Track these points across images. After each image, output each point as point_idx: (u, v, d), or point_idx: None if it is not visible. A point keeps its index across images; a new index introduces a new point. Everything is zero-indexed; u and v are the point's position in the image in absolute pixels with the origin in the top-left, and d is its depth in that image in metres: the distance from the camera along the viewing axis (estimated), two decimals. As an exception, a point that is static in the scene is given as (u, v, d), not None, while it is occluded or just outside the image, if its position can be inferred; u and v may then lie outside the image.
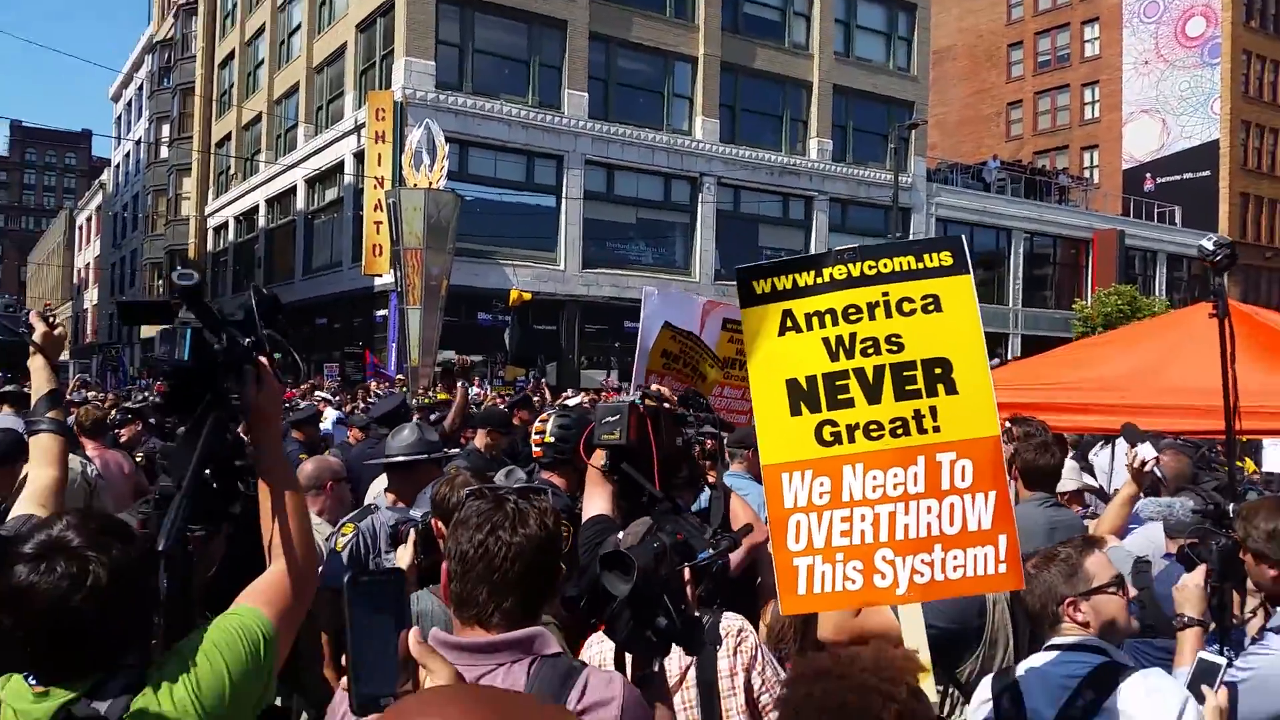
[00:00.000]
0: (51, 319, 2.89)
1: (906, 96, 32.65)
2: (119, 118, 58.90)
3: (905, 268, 2.63)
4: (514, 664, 1.85)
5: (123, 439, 7.98)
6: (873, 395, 2.56)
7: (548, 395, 13.28)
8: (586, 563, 2.46)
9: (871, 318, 2.61)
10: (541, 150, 26.15)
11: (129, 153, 54.02)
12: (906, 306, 2.60)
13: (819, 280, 2.66)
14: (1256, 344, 5.13)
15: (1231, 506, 3.07)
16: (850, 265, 2.66)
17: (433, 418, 7.99)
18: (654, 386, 5.93)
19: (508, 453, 6.49)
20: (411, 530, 3.34)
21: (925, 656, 2.62)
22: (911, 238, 30.26)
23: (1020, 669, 2.54)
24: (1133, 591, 2.71)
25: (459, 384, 8.20)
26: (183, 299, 1.85)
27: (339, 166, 27.90)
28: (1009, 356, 30.51)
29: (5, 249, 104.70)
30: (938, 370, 2.54)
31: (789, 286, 2.68)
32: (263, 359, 1.96)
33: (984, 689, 2.59)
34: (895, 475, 2.48)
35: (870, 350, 2.59)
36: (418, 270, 22.01)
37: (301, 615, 2.00)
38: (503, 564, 1.88)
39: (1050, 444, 3.92)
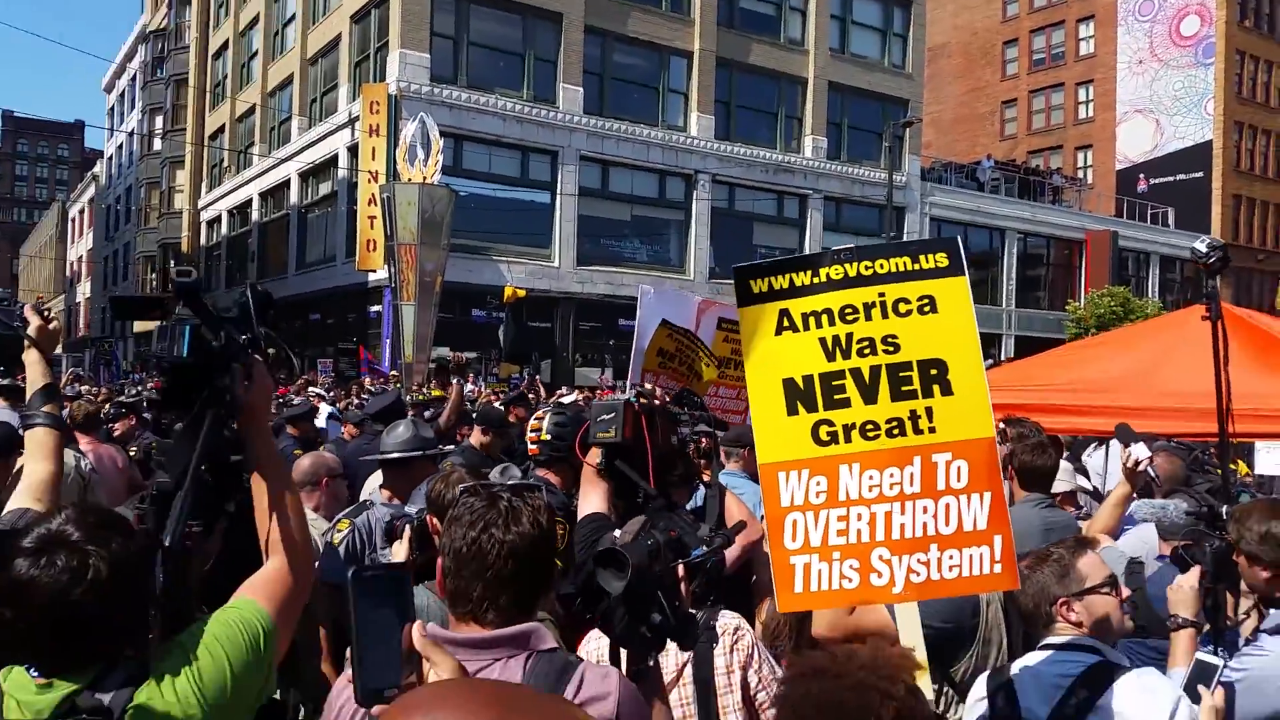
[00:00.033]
0: (46, 313, 2.89)
1: (901, 94, 32.68)
2: (111, 109, 58.61)
3: (901, 269, 2.64)
4: (510, 659, 1.86)
5: (116, 433, 7.96)
6: (869, 395, 2.57)
7: (542, 392, 13.28)
8: (583, 560, 2.47)
9: (868, 318, 2.62)
10: (536, 145, 26.13)
11: (122, 144, 53.79)
12: (903, 307, 2.61)
13: (816, 280, 2.67)
14: (1251, 347, 5.16)
15: (1225, 509, 3.09)
16: (847, 265, 2.67)
17: (427, 414, 7.99)
18: (647, 385, 5.95)
19: (505, 451, 6.49)
20: (407, 526, 3.34)
21: (922, 655, 2.64)
22: (906, 237, 30.32)
23: (1014, 668, 2.55)
24: (1126, 592, 2.72)
25: (454, 380, 8.20)
26: (181, 297, 1.87)
27: (333, 160, 27.82)
28: (1002, 357, 30.58)
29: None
30: (933, 371, 2.56)
31: (786, 286, 2.69)
32: (256, 356, 1.98)
33: (979, 688, 2.60)
34: (891, 475, 2.49)
35: (867, 350, 2.60)
36: (412, 266, 21.98)
37: (299, 608, 2.02)
38: (496, 561, 1.88)
39: (1046, 445, 3.94)
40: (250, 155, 34.93)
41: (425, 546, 3.24)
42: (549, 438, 4.01)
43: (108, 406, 8.83)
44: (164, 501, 1.88)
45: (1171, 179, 44.71)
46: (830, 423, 2.56)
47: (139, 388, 16.31)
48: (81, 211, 65.51)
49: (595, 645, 2.59)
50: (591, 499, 2.75)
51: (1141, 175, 45.58)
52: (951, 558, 2.42)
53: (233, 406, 1.92)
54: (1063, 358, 7.27)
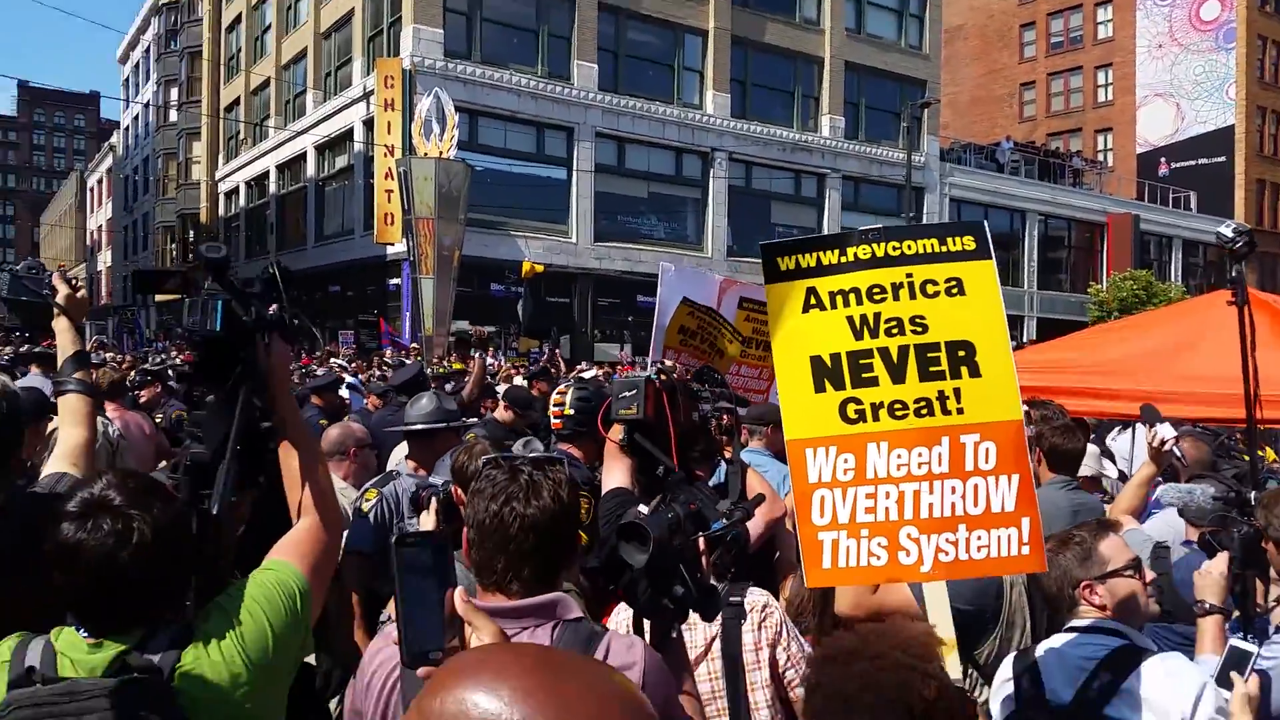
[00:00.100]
0: (74, 281, 2.92)
1: (919, 75, 32.39)
2: (126, 80, 58.62)
3: (929, 250, 2.63)
4: (537, 628, 1.88)
5: (142, 400, 8.02)
6: (897, 375, 2.56)
7: (562, 366, 13.31)
8: (607, 534, 2.49)
9: (896, 298, 2.61)
10: (551, 121, 26.03)
11: (138, 115, 53.84)
12: (930, 289, 2.59)
13: (843, 259, 2.66)
14: (1277, 332, 5.10)
15: (1253, 494, 3.07)
16: (874, 246, 2.66)
17: (448, 387, 8.02)
18: (668, 362, 5.94)
19: (529, 427, 6.52)
20: (433, 497, 3.37)
21: (950, 634, 2.64)
22: (925, 218, 30.17)
23: (1039, 650, 2.55)
24: (1151, 575, 2.71)
25: (475, 354, 8.22)
26: (210, 271, 1.90)
27: (349, 133, 27.79)
28: (1024, 339, 30.42)
29: (17, 210, 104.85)
30: (961, 353, 2.54)
31: (813, 264, 2.67)
32: (278, 329, 2.02)
33: (1005, 669, 2.60)
34: (920, 455, 2.48)
35: (895, 330, 2.59)
36: (430, 240, 21.98)
37: (331, 569, 2.06)
38: (517, 534, 1.90)
39: (1074, 427, 3.91)
40: (266, 128, 34.93)
41: (451, 517, 3.26)
42: (573, 412, 4.01)
43: (133, 374, 8.89)
44: (197, 472, 1.91)
45: (1193, 163, 44.22)
46: (858, 400, 2.55)
47: (163, 355, 16.42)
48: (100, 181, 65.70)
49: (624, 616, 2.61)
50: (615, 474, 2.76)
51: (1163, 159, 45.10)
52: (980, 538, 2.41)
53: (257, 375, 1.95)
54: (1086, 340, 7.21)
